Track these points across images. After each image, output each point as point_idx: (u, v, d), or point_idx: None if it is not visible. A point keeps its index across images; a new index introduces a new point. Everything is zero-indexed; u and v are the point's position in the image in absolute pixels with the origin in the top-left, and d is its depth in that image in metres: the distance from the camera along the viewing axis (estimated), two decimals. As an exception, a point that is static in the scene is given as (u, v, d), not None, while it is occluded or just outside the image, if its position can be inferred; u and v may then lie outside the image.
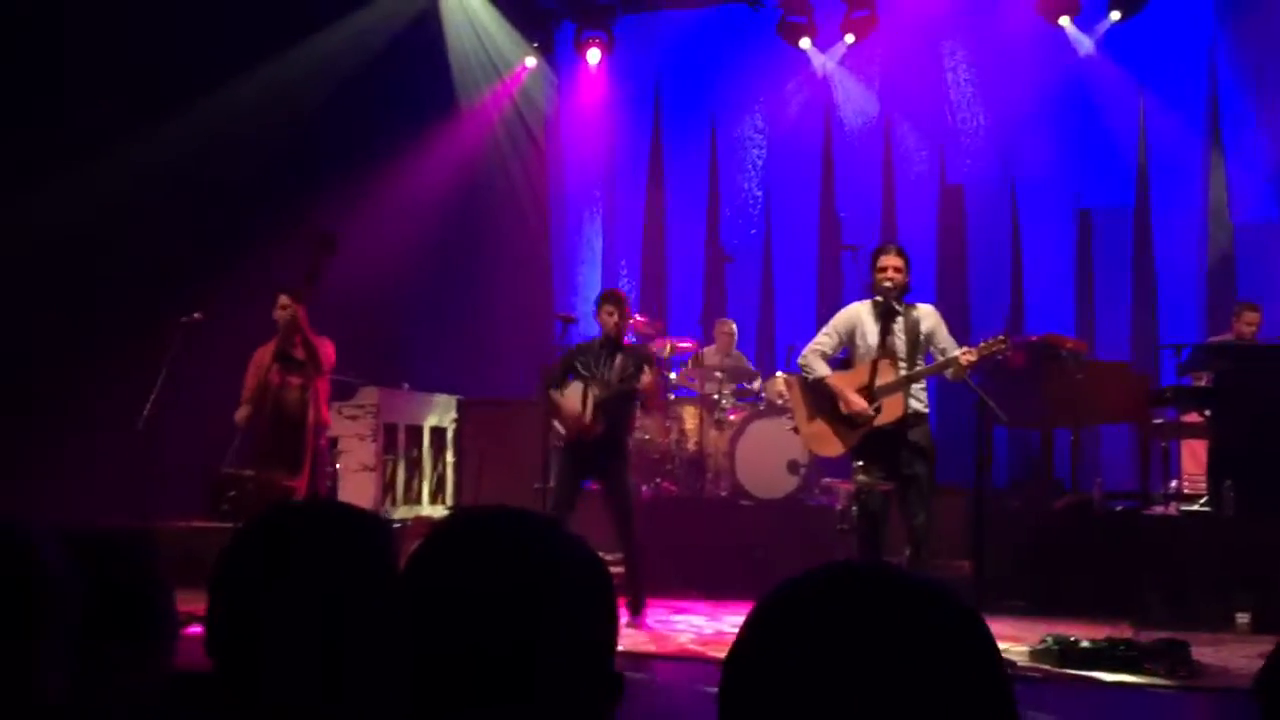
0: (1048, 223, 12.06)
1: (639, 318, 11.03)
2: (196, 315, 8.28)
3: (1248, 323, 9.67)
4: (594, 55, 12.95)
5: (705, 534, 9.31)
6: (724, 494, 9.85)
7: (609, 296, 7.95)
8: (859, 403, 6.86)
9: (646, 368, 7.70)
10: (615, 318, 7.77)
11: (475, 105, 13.23)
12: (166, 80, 10.18)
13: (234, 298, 8.85)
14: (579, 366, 7.77)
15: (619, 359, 7.78)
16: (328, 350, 7.88)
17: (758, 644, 1.02)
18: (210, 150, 10.67)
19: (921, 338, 6.96)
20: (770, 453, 9.40)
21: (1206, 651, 6.77)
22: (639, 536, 7.76)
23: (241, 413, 7.74)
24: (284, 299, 7.82)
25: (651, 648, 7.13)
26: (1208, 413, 9.19)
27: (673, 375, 10.65)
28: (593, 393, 7.63)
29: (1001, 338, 6.78)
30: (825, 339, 7.18)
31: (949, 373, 6.84)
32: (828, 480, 7.57)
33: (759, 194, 13.03)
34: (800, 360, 7.24)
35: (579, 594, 1.21)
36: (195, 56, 10.61)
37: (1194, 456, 9.72)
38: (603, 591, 1.25)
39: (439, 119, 12.85)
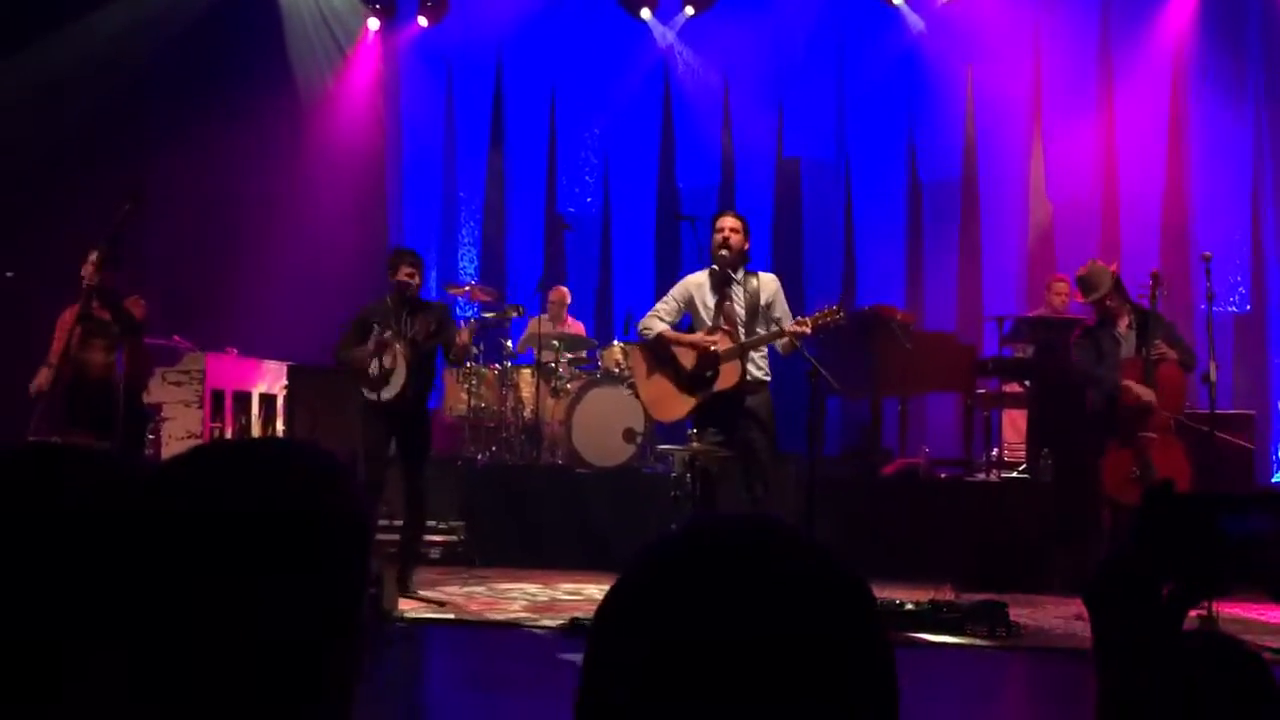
0: (880, 196, 12.32)
1: (473, 285, 10.92)
2: (8, 273, 7.87)
3: (1057, 293, 10.05)
4: (425, 19, 12.78)
5: (540, 502, 9.28)
6: (560, 462, 9.82)
7: (409, 256, 7.79)
8: (701, 340, 6.90)
9: (460, 325, 7.72)
10: (416, 278, 7.68)
11: (310, 66, 12.87)
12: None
13: (50, 255, 8.44)
14: (376, 325, 7.57)
15: (420, 317, 7.66)
16: (138, 309, 7.44)
17: (629, 597, 0.95)
18: (29, 104, 10.19)
19: (761, 306, 7.00)
20: (607, 421, 9.40)
21: (1024, 612, 7.05)
22: (427, 504, 7.76)
23: (41, 375, 7.25)
24: (94, 256, 7.34)
25: (484, 615, 7.08)
26: (1027, 383, 9.54)
27: (509, 343, 10.56)
28: (401, 352, 7.48)
29: (835, 308, 6.84)
30: (663, 306, 7.20)
31: (781, 345, 6.89)
32: (664, 447, 7.61)
33: (597, 162, 13.01)
34: (639, 326, 7.25)
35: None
36: (12, 9, 10.10)
37: (1014, 425, 10.09)
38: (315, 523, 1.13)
39: (272, 80, 12.47)
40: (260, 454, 1.17)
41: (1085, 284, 7.79)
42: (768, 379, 7.09)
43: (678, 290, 7.24)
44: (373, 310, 7.74)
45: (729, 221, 7.02)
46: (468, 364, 9.70)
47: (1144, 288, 7.66)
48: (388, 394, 7.48)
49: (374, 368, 7.49)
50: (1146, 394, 7.33)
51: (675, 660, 0.89)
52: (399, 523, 7.87)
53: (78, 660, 1.27)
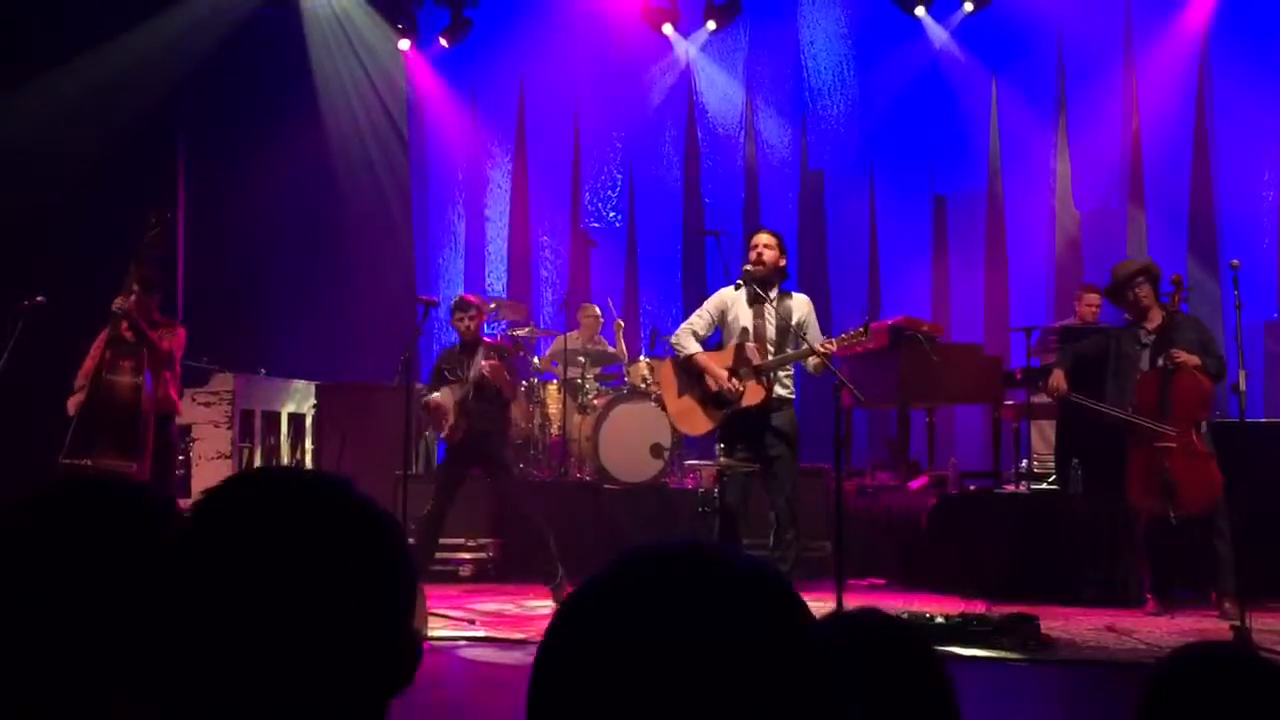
0: (905, 208, 12.32)
1: (500, 301, 10.96)
2: (40, 298, 7.95)
3: (1089, 304, 10.00)
4: (448, 40, 12.86)
5: (568, 519, 9.28)
6: (587, 478, 9.83)
7: (459, 304, 8.15)
8: (726, 379, 6.92)
9: (489, 359, 7.89)
10: (466, 322, 8.01)
11: (335, 87, 12.97)
12: (5, 56, 9.79)
13: (83, 279, 8.53)
14: (446, 373, 8.03)
15: (476, 360, 7.98)
16: (177, 335, 7.63)
17: (564, 628, 1.01)
18: (61, 127, 10.30)
19: (792, 326, 7.01)
20: (634, 437, 9.41)
21: (1055, 625, 7.00)
22: (535, 516, 7.98)
23: (75, 400, 7.43)
24: (129, 278, 7.51)
25: (513, 633, 7.09)
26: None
27: (536, 360, 10.59)
28: (454, 394, 7.90)
29: (860, 330, 6.84)
30: (697, 319, 7.22)
31: (811, 364, 6.90)
32: (691, 463, 7.61)
33: (619, 177, 13.03)
34: (672, 339, 7.29)
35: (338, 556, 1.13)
36: (40, 31, 10.20)
37: (1043, 436, 10.03)
38: (372, 551, 1.16)
39: (298, 101, 12.57)
40: (290, 489, 1.18)
41: (1113, 278, 7.82)
42: (792, 396, 7.12)
43: (711, 304, 7.26)
44: (444, 357, 8.27)
45: (762, 238, 7.07)
46: (524, 383, 10.09)
47: (1165, 295, 7.59)
48: (448, 435, 7.98)
49: (436, 412, 8.00)
50: (1058, 385, 7.76)
51: (608, 682, 0.94)
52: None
53: (115, 688, 1.28)
